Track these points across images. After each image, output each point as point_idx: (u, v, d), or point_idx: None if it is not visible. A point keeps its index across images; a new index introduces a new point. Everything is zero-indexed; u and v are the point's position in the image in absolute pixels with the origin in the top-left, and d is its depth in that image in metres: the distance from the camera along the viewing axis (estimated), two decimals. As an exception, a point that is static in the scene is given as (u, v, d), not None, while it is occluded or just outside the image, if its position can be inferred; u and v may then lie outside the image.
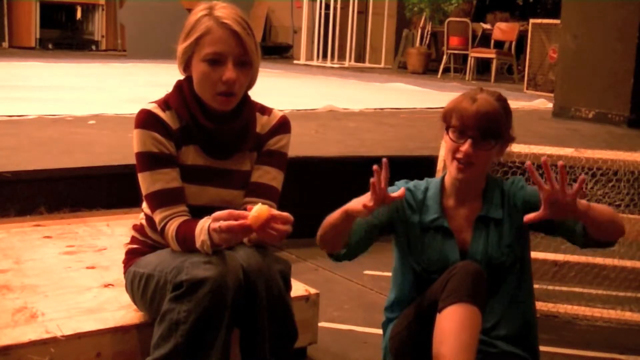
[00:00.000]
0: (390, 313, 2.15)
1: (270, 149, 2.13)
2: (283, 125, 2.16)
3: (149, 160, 2.02)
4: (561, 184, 1.75)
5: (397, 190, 1.99)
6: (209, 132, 2.04)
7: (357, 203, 1.86)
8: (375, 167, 1.81)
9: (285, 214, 1.88)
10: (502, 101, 2.01)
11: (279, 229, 1.85)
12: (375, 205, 1.81)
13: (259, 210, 1.83)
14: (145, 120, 2.03)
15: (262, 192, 2.09)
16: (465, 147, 1.95)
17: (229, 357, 1.90)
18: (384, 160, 1.83)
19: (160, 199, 2.02)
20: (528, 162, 1.80)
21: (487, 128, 1.95)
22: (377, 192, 1.80)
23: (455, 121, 1.97)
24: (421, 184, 2.11)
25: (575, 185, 1.75)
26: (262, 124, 2.14)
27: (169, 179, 2.03)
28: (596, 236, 1.92)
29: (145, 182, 2.04)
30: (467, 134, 1.96)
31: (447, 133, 2.00)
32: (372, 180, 1.79)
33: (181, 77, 2.11)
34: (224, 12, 2.01)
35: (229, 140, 2.08)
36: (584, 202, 1.85)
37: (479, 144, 1.95)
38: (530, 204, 1.99)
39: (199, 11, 2.04)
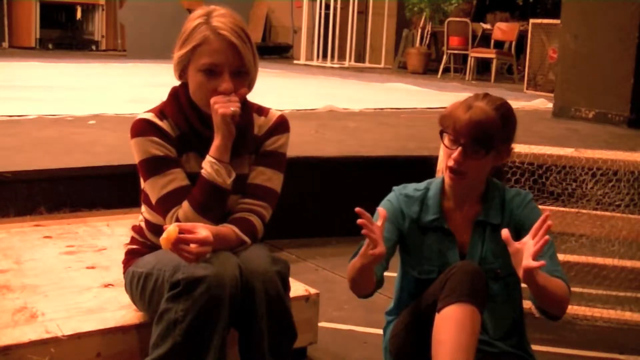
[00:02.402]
0: (389, 317, 2.16)
1: (267, 149, 2.12)
2: (281, 125, 2.14)
3: (156, 164, 2.01)
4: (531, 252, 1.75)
5: (391, 201, 2.04)
6: (207, 139, 2.03)
7: (367, 256, 1.81)
8: (358, 210, 1.76)
9: (199, 236, 1.86)
10: (503, 110, 1.96)
11: (191, 251, 1.85)
12: (381, 247, 1.78)
13: (168, 232, 1.84)
14: (143, 128, 2.02)
15: (255, 193, 2.08)
16: (455, 155, 1.94)
17: (226, 355, 1.90)
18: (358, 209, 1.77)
19: (176, 198, 2.00)
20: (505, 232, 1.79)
21: (478, 138, 1.92)
22: (375, 239, 1.77)
23: (449, 127, 1.96)
24: (421, 185, 2.10)
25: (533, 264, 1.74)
26: (260, 125, 2.13)
27: (182, 177, 2.02)
28: (539, 303, 1.91)
29: (157, 187, 2.01)
30: (459, 142, 1.94)
31: (442, 138, 2.00)
32: (364, 231, 1.76)
33: (176, 82, 2.10)
34: (222, 21, 1.99)
35: None
36: (540, 276, 1.81)
37: (469, 152, 1.93)
38: (523, 225, 1.99)
39: (196, 18, 2.02)
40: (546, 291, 1.83)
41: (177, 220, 1.98)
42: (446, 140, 1.98)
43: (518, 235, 1.99)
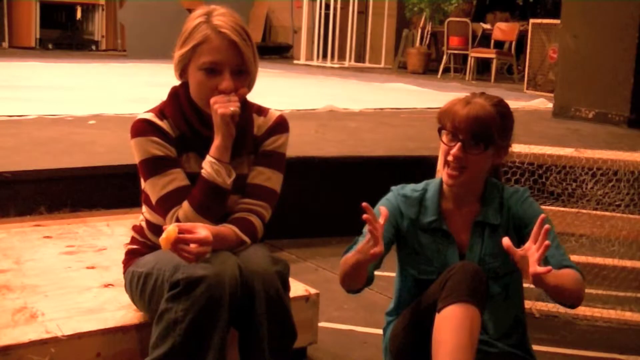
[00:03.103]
0: (389, 317, 2.16)
1: (266, 149, 2.11)
2: (280, 125, 2.14)
3: (156, 164, 2.01)
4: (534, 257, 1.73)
5: (390, 200, 2.04)
6: (207, 139, 2.03)
7: (364, 252, 1.80)
8: (365, 205, 1.75)
9: (199, 236, 1.86)
10: (500, 107, 1.97)
11: (190, 250, 1.85)
12: (380, 246, 1.77)
13: (167, 232, 1.84)
14: (143, 128, 2.02)
15: (255, 193, 2.08)
16: (455, 150, 1.94)
17: (226, 355, 1.90)
18: (365, 204, 1.76)
19: (176, 198, 2.00)
20: (506, 241, 1.77)
21: (477, 132, 1.93)
22: (377, 236, 1.76)
23: (448, 124, 1.97)
24: (419, 186, 2.10)
25: (539, 269, 1.72)
26: (259, 125, 2.13)
27: (182, 177, 2.02)
28: (555, 300, 1.91)
29: (157, 187, 2.01)
30: (457, 137, 1.95)
31: (440, 135, 2.00)
32: (368, 228, 1.75)
33: (176, 81, 2.10)
34: (222, 19, 1.99)
35: None
36: (550, 277, 1.78)
37: (468, 147, 1.94)
38: (522, 221, 2.00)
39: (197, 17, 2.02)
40: (560, 289, 1.82)
41: (178, 220, 1.98)
42: (444, 137, 1.98)
43: (519, 232, 2.00)
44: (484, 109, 1.94)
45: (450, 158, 1.96)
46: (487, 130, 1.93)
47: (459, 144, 1.94)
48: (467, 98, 1.98)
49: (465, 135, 1.94)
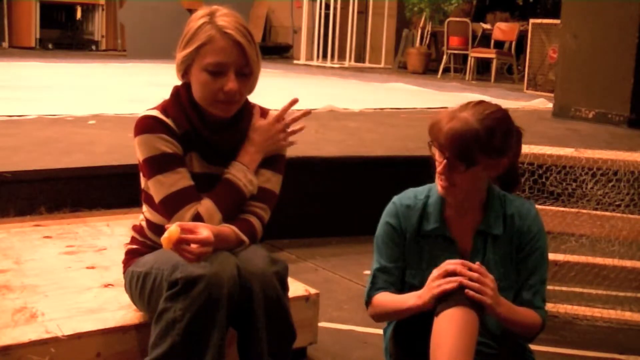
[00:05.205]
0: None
1: (266, 150, 2.12)
2: (280, 127, 2.15)
3: (164, 161, 1.98)
4: None
5: (391, 223, 2.03)
6: (208, 140, 2.03)
7: (418, 301, 1.89)
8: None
9: (201, 236, 1.86)
10: (489, 120, 1.87)
11: (192, 251, 1.85)
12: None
13: (169, 232, 1.84)
14: (150, 125, 2.00)
15: (254, 194, 2.07)
16: (440, 169, 1.91)
17: (225, 355, 1.90)
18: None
19: (182, 198, 1.98)
20: None
21: (458, 151, 1.86)
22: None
23: (435, 139, 1.92)
24: (421, 192, 2.07)
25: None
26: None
27: (188, 176, 2.01)
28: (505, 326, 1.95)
29: (164, 185, 1.98)
30: (444, 154, 1.90)
31: (431, 149, 1.95)
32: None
33: (177, 81, 2.09)
34: (226, 20, 1.98)
35: (228, 148, 2.07)
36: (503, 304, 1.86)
37: (452, 167, 1.89)
38: (528, 244, 2.00)
39: (200, 18, 2.01)
40: (511, 322, 1.90)
41: (197, 215, 1.97)
42: (435, 152, 1.94)
43: (519, 248, 2.00)
44: (466, 126, 1.84)
45: (437, 176, 1.94)
46: (467, 150, 1.85)
47: (444, 162, 1.90)
48: (455, 111, 1.90)
49: (448, 154, 1.88)
